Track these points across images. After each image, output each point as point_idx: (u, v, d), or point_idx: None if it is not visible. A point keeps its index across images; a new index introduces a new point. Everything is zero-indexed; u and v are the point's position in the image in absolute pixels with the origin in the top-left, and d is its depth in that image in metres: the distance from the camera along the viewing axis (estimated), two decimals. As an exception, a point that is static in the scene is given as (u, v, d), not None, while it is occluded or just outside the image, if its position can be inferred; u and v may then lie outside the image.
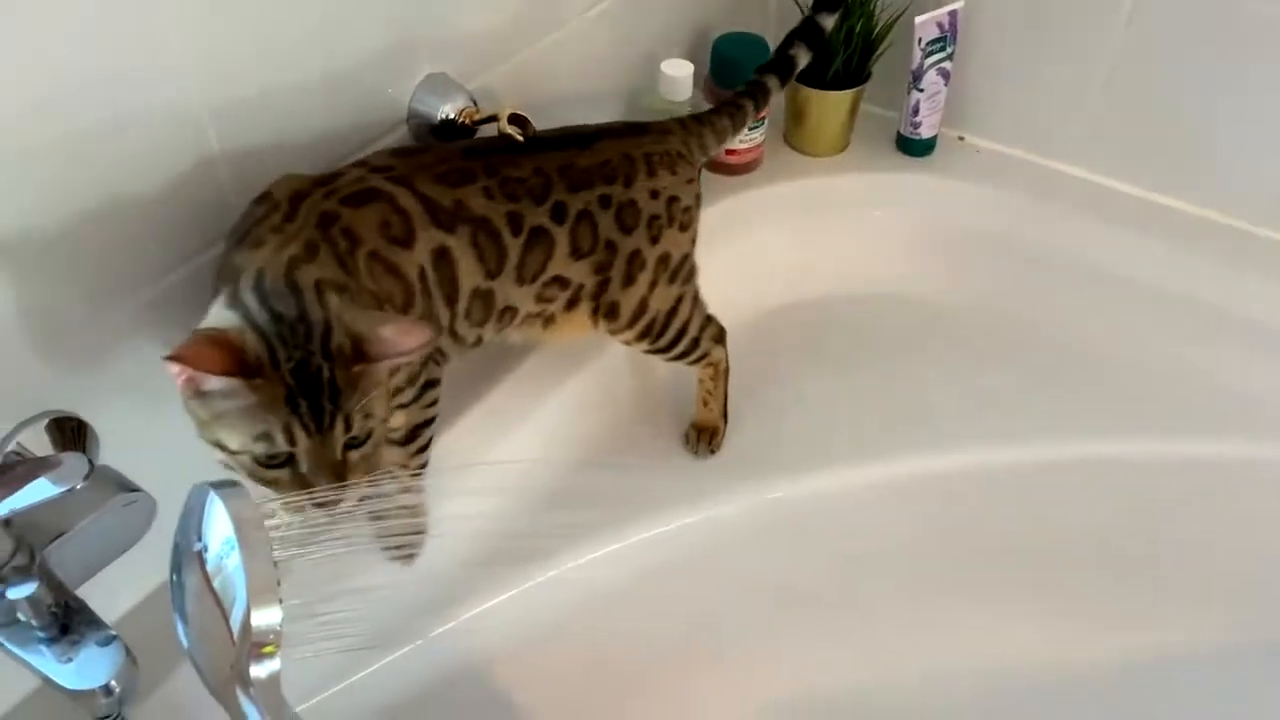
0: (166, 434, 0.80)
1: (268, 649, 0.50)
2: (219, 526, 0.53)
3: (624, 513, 0.99)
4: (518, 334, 0.93)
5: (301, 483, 0.66)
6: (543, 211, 0.85)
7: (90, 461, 0.57)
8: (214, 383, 0.63)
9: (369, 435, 0.69)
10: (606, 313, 0.94)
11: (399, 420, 0.85)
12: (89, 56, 0.66)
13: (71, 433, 0.69)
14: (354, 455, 0.68)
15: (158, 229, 0.75)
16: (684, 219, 0.94)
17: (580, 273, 0.90)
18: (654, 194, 0.91)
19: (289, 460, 0.66)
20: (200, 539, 0.53)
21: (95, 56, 0.66)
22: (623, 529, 0.99)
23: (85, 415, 0.70)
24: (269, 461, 0.66)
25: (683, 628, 0.98)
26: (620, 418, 1.12)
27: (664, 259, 0.94)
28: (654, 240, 0.92)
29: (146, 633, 0.64)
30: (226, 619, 0.52)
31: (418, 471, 0.89)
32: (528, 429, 1.01)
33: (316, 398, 0.65)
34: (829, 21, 1.10)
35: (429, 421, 0.88)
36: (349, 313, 0.68)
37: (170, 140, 0.74)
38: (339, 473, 0.67)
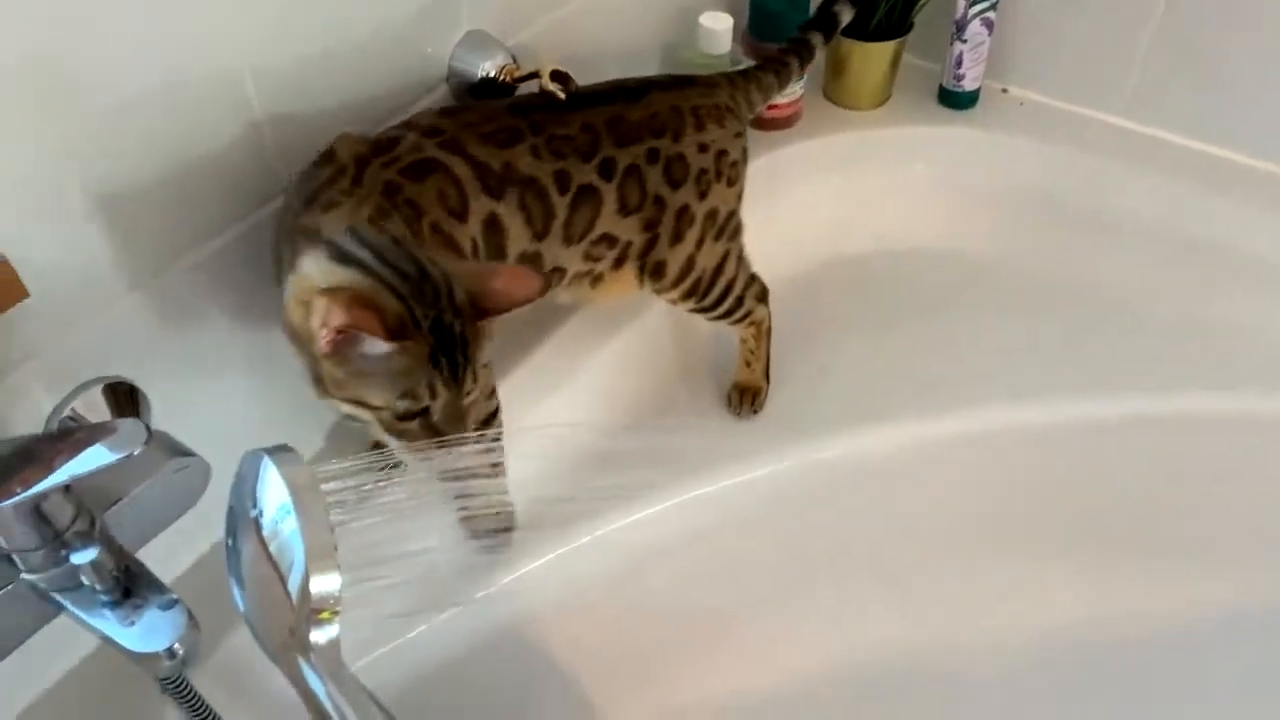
0: (210, 396, 0.82)
1: (326, 615, 0.51)
2: (274, 492, 0.53)
3: (667, 475, 0.98)
4: (566, 294, 0.93)
5: (432, 432, 0.69)
6: (590, 169, 0.84)
7: (148, 427, 0.57)
8: (369, 345, 0.64)
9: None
10: (652, 271, 0.93)
11: None
12: (134, 20, 0.66)
13: (125, 398, 0.70)
14: (465, 401, 0.71)
15: (201, 193, 0.75)
16: (731, 174, 0.93)
17: (628, 230, 0.89)
18: (702, 148, 0.90)
19: (423, 412, 0.68)
20: (255, 505, 0.54)
21: (140, 20, 0.66)
22: (666, 491, 0.99)
23: (128, 377, 0.70)
24: (405, 415, 0.68)
25: (725, 589, 0.98)
26: (662, 378, 1.12)
27: (711, 215, 0.93)
28: (702, 195, 0.91)
29: (200, 595, 0.65)
30: (284, 583, 0.53)
31: (496, 438, 0.89)
32: (570, 391, 1.01)
33: (452, 353, 0.67)
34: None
35: (492, 391, 0.88)
36: (454, 268, 0.70)
37: (212, 104, 0.73)
38: (465, 420, 0.70)
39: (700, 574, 0.96)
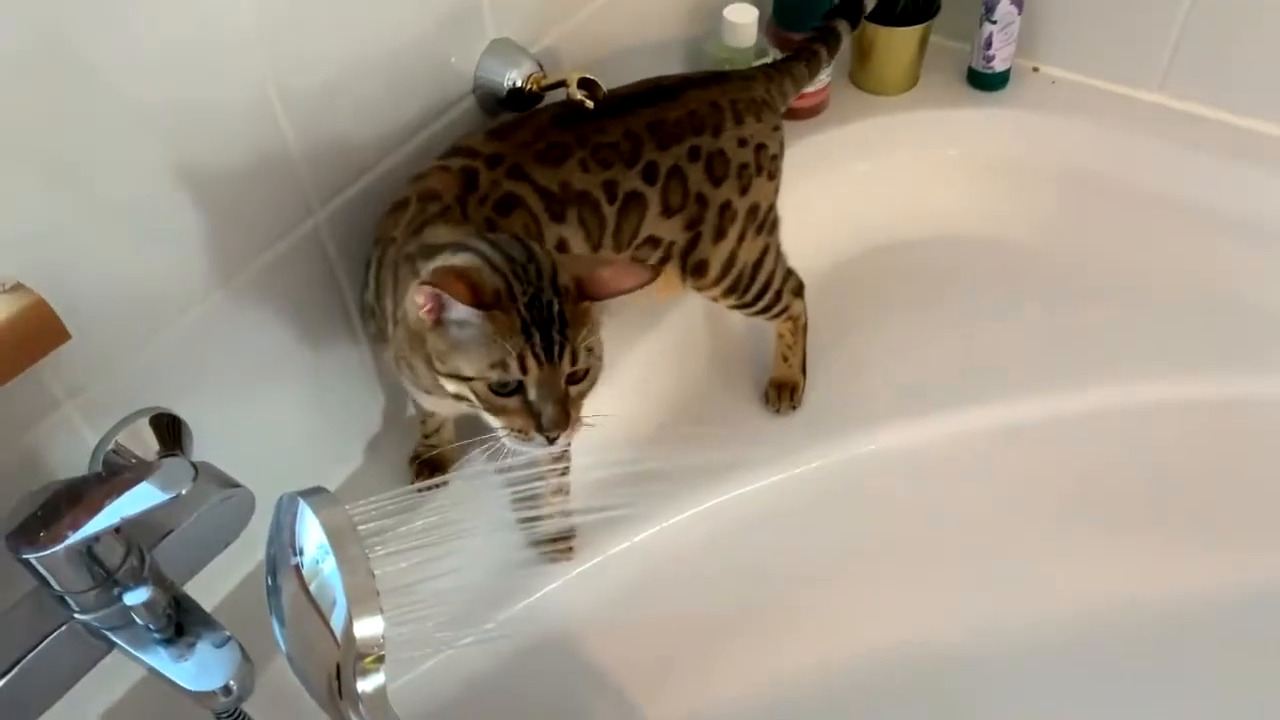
0: (247, 417, 0.83)
1: (372, 661, 0.51)
2: (312, 535, 0.54)
3: (709, 475, 0.99)
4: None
5: (529, 410, 0.70)
6: (635, 174, 0.86)
7: (194, 465, 0.58)
8: (457, 312, 0.67)
9: (587, 372, 0.72)
10: (694, 270, 0.94)
11: None
12: (161, 31, 0.66)
13: (166, 429, 0.71)
14: (573, 390, 0.71)
15: (234, 215, 0.76)
16: (771, 167, 0.94)
17: (671, 230, 0.90)
18: (742, 142, 0.90)
19: (519, 388, 0.69)
20: (295, 549, 0.55)
21: (167, 33, 0.66)
22: (708, 491, 1.00)
23: (168, 408, 0.71)
24: (500, 389, 0.69)
25: (767, 586, 0.98)
26: (697, 375, 1.12)
27: (753, 210, 0.93)
28: (743, 191, 0.91)
29: (245, 618, 0.66)
30: (327, 623, 0.54)
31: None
32: (605, 390, 1.01)
33: (547, 329, 0.68)
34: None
35: None
36: (567, 258, 0.72)
37: (241, 125, 0.73)
38: (563, 402, 0.70)
39: (742, 573, 0.97)
